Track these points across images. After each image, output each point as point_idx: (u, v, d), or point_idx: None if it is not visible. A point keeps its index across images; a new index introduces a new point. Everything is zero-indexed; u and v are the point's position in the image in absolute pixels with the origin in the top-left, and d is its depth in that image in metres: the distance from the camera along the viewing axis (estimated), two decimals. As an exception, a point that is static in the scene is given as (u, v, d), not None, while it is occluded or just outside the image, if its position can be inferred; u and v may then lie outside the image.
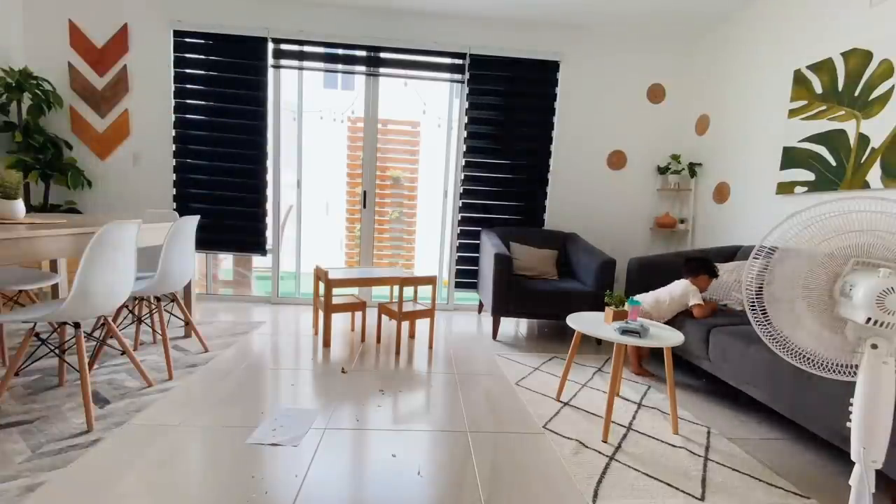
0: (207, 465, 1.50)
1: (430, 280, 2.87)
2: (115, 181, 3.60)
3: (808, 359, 1.11)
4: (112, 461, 1.48)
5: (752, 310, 1.15)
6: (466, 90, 3.72)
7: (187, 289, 2.86)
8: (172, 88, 3.55)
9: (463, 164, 3.80)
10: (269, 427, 1.77)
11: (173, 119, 3.58)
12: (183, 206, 3.66)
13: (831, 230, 1.04)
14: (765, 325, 1.14)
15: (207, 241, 3.68)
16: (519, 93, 3.77)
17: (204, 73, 3.57)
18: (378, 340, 2.95)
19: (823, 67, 2.60)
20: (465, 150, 3.79)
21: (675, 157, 3.79)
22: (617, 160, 3.91)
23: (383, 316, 3.16)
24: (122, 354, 2.42)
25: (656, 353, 2.98)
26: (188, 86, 3.57)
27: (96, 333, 2.52)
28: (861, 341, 1.02)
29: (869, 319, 0.95)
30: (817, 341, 1.09)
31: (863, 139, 2.35)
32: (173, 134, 3.59)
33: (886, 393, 0.99)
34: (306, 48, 3.60)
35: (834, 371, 1.09)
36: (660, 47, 3.80)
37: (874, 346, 0.99)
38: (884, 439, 0.99)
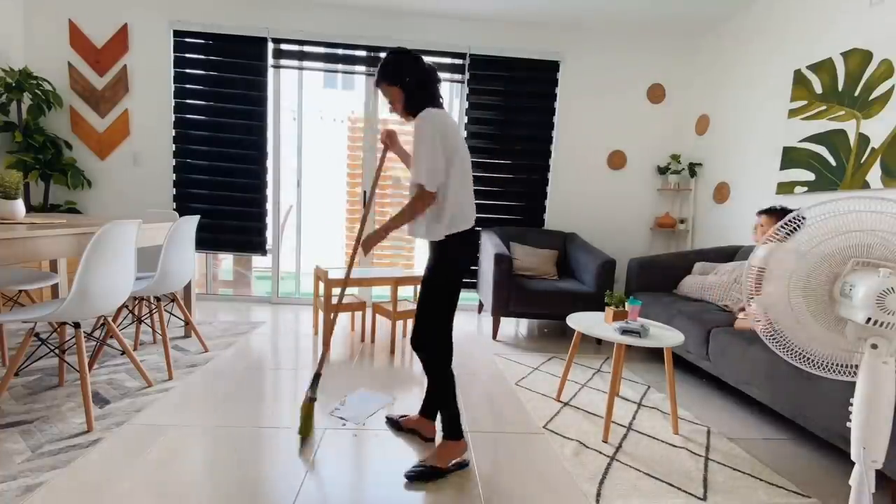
0: (207, 465, 1.50)
1: (430, 280, 2.87)
2: (115, 181, 3.60)
3: (808, 359, 1.11)
4: (112, 461, 1.48)
5: None
6: (466, 90, 3.72)
7: (187, 289, 2.86)
8: (172, 88, 3.55)
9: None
10: (340, 404, 1.99)
11: (173, 119, 3.58)
12: (183, 206, 3.66)
13: (831, 230, 1.03)
14: (765, 325, 1.14)
15: (207, 241, 3.68)
16: (519, 93, 3.77)
17: (204, 73, 3.57)
18: (372, 340, 2.96)
19: (823, 67, 2.60)
20: (465, 150, 3.78)
21: (675, 157, 3.79)
22: (617, 160, 3.91)
23: (381, 316, 3.16)
24: (122, 354, 2.42)
25: (657, 353, 2.98)
26: (188, 86, 3.57)
27: (96, 333, 2.52)
28: (861, 341, 1.01)
29: (869, 319, 0.95)
30: (817, 341, 1.09)
31: (863, 139, 2.35)
32: (173, 134, 3.59)
33: (886, 393, 0.98)
34: (306, 48, 3.60)
35: (834, 371, 1.09)
36: (660, 47, 3.80)
37: (874, 346, 0.98)
38: (884, 439, 0.99)
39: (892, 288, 0.92)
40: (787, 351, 1.13)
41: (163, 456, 1.53)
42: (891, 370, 0.98)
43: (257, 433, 1.72)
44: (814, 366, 1.10)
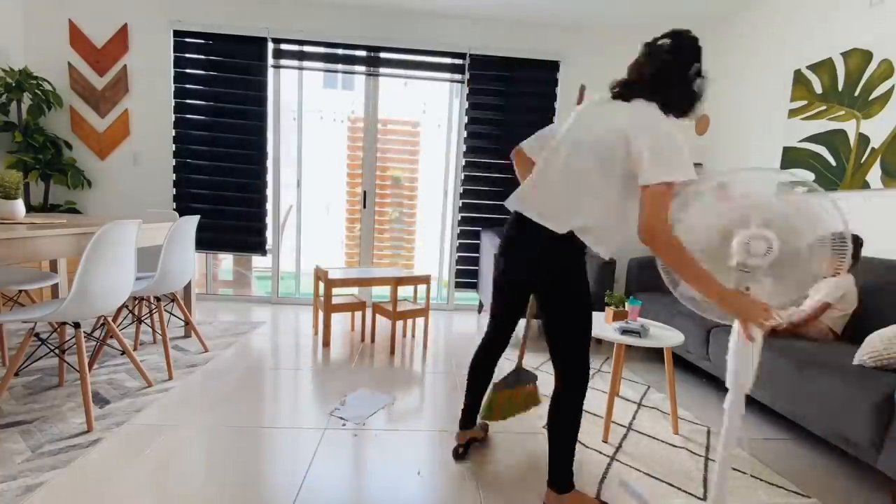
0: (207, 465, 1.50)
1: (425, 279, 2.88)
2: (115, 181, 3.60)
3: (697, 301, 1.26)
4: (112, 461, 1.48)
5: (662, 266, 1.32)
6: (466, 90, 3.72)
7: (187, 289, 2.86)
8: (172, 88, 3.55)
9: (463, 164, 3.80)
10: (340, 404, 2.00)
11: (173, 119, 3.58)
12: (183, 206, 3.65)
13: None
14: (668, 273, 1.32)
15: (207, 241, 3.68)
16: (519, 93, 3.77)
17: (204, 73, 3.56)
18: (372, 340, 2.96)
19: (823, 67, 2.60)
20: (465, 150, 3.79)
21: (675, 157, 3.78)
22: (617, 160, 3.90)
23: (381, 316, 3.16)
24: (122, 354, 2.42)
25: (657, 353, 2.98)
26: (188, 86, 3.57)
27: (96, 333, 2.52)
28: (740, 286, 1.15)
29: (739, 264, 1.12)
30: None
31: (863, 139, 2.35)
32: (173, 134, 3.59)
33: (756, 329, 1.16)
34: (306, 48, 3.60)
35: (717, 314, 1.24)
36: (660, 47, 3.80)
37: (747, 289, 1.14)
38: (751, 367, 1.17)
39: (758, 235, 1.09)
40: (681, 296, 1.30)
41: (163, 456, 1.53)
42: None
43: (257, 433, 1.72)
44: (699, 308, 1.27)
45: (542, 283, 1.29)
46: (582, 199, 1.22)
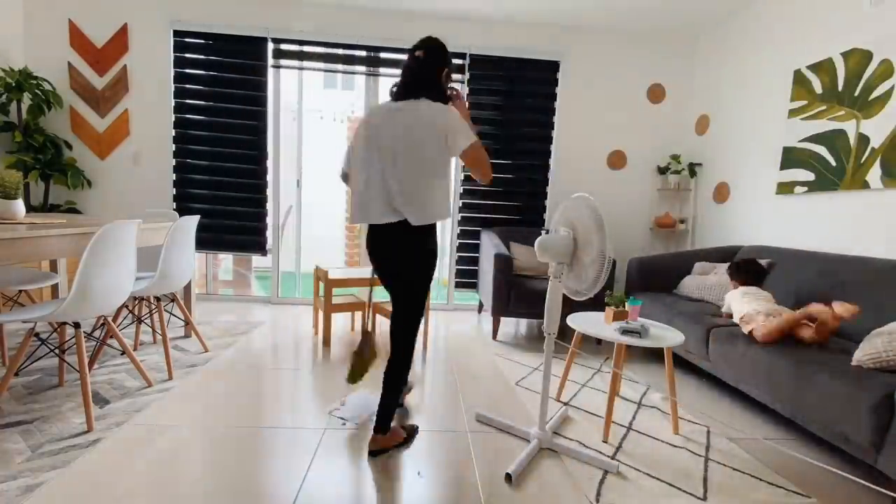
0: (207, 465, 1.50)
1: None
2: (115, 181, 3.60)
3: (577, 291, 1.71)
4: (112, 461, 1.48)
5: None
6: (466, 90, 3.72)
7: (187, 289, 2.86)
8: (172, 88, 3.55)
9: (463, 164, 3.80)
10: (340, 404, 2.01)
11: (173, 119, 3.58)
12: (183, 206, 3.66)
13: (563, 217, 1.80)
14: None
15: (207, 241, 3.68)
16: (519, 93, 3.77)
17: (204, 73, 3.57)
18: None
19: (823, 67, 2.60)
20: (465, 150, 3.78)
21: (675, 157, 3.78)
22: (617, 160, 3.91)
23: (381, 316, 3.16)
24: (122, 354, 2.42)
25: (657, 353, 2.98)
26: (188, 86, 3.57)
27: (96, 333, 2.51)
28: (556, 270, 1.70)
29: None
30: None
31: (863, 139, 2.35)
32: (173, 134, 3.59)
33: (557, 295, 1.68)
34: (306, 48, 3.60)
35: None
36: (660, 47, 3.80)
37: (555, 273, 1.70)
38: (556, 321, 1.69)
39: (546, 230, 1.67)
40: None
41: (163, 456, 1.53)
42: (557, 283, 1.68)
43: (257, 433, 1.72)
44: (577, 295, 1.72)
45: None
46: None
